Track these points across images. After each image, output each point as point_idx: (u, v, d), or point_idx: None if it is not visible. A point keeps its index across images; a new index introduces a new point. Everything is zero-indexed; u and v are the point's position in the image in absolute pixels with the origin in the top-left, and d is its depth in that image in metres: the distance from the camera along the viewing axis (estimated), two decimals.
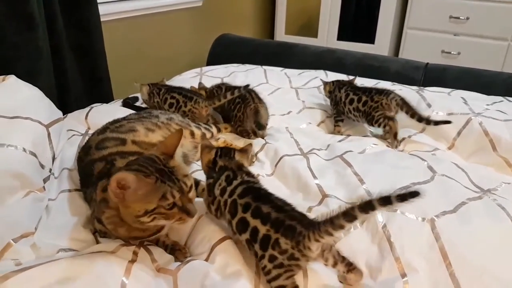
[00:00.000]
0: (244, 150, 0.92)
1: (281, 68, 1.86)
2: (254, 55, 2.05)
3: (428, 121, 1.24)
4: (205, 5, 2.32)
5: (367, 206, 0.64)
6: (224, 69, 1.82)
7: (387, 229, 0.86)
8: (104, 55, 1.64)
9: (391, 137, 1.29)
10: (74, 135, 1.27)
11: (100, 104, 1.47)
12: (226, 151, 0.91)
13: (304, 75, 1.80)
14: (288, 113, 1.47)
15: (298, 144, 1.24)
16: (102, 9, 1.63)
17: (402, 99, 1.31)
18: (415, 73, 1.75)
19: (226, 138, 1.30)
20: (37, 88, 1.17)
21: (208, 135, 1.26)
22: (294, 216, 0.74)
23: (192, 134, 1.21)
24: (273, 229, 0.73)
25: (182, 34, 2.25)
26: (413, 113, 1.27)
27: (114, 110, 1.39)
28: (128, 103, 1.53)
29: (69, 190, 1.01)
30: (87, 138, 1.14)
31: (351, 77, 1.58)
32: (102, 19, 1.62)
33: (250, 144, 0.96)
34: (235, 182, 0.82)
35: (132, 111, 1.34)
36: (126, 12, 1.86)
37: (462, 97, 1.48)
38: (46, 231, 0.88)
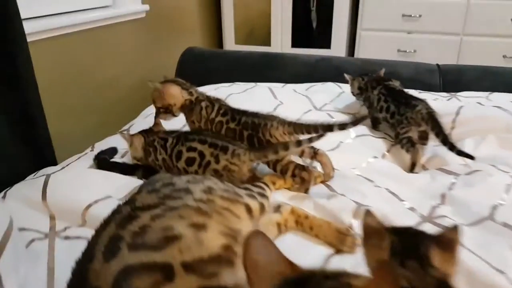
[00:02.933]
0: None
1: (282, 84, 1.49)
2: (233, 70, 1.63)
3: (452, 147, 0.98)
4: (149, 16, 1.82)
5: None
6: (214, 92, 1.35)
7: None
8: (35, 85, 1.06)
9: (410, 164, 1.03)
10: (33, 239, 0.73)
11: (58, 167, 0.90)
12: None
13: (314, 90, 1.45)
14: (338, 145, 1.11)
15: (401, 199, 0.85)
16: (27, 27, 1.05)
17: (429, 113, 1.05)
18: (431, 77, 1.55)
19: (288, 204, 0.87)
20: None
21: (265, 203, 0.81)
22: None
23: (249, 209, 0.75)
24: None
25: (126, 50, 1.71)
26: (438, 132, 1.02)
27: (87, 179, 0.87)
28: (104, 160, 0.98)
29: None
30: (56, 240, 0.62)
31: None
32: (28, 39, 1.04)
33: None
34: None
35: (119, 175, 0.83)
36: (57, 30, 1.29)
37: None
38: None
